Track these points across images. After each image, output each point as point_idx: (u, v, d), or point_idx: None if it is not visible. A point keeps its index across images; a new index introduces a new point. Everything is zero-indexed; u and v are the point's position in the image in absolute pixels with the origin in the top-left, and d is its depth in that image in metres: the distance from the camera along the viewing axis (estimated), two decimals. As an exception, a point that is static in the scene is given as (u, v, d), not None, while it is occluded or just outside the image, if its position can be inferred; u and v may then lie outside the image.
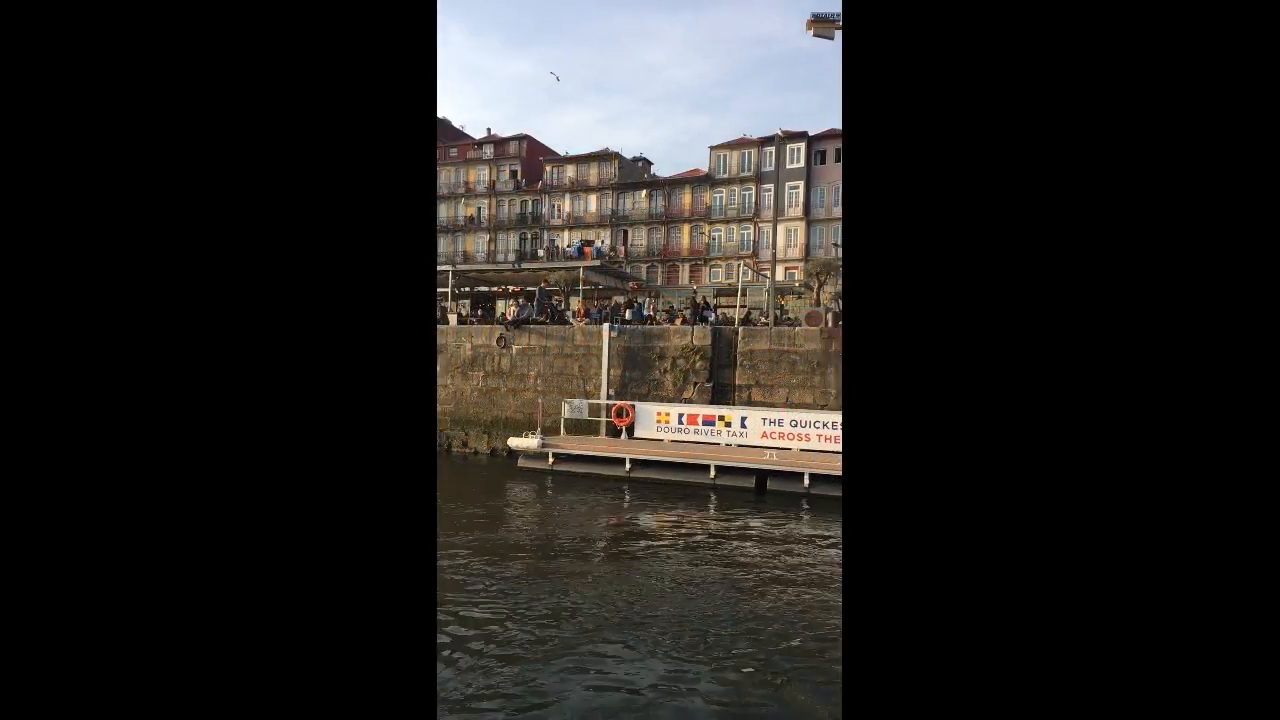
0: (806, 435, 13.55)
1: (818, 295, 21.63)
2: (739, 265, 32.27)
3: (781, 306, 26.49)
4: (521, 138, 44.95)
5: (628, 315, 18.89)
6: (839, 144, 36.40)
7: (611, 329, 16.08)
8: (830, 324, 14.84)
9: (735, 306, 21.83)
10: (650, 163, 44.74)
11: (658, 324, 17.86)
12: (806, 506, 11.59)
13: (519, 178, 43.95)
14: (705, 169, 39.78)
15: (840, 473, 12.38)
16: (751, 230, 37.75)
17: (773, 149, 37.21)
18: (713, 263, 38.42)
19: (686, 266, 39.20)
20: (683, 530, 10.18)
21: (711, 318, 18.84)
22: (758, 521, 10.70)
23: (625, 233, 40.87)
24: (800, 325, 15.75)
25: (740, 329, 15.91)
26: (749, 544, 9.48)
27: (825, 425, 13.49)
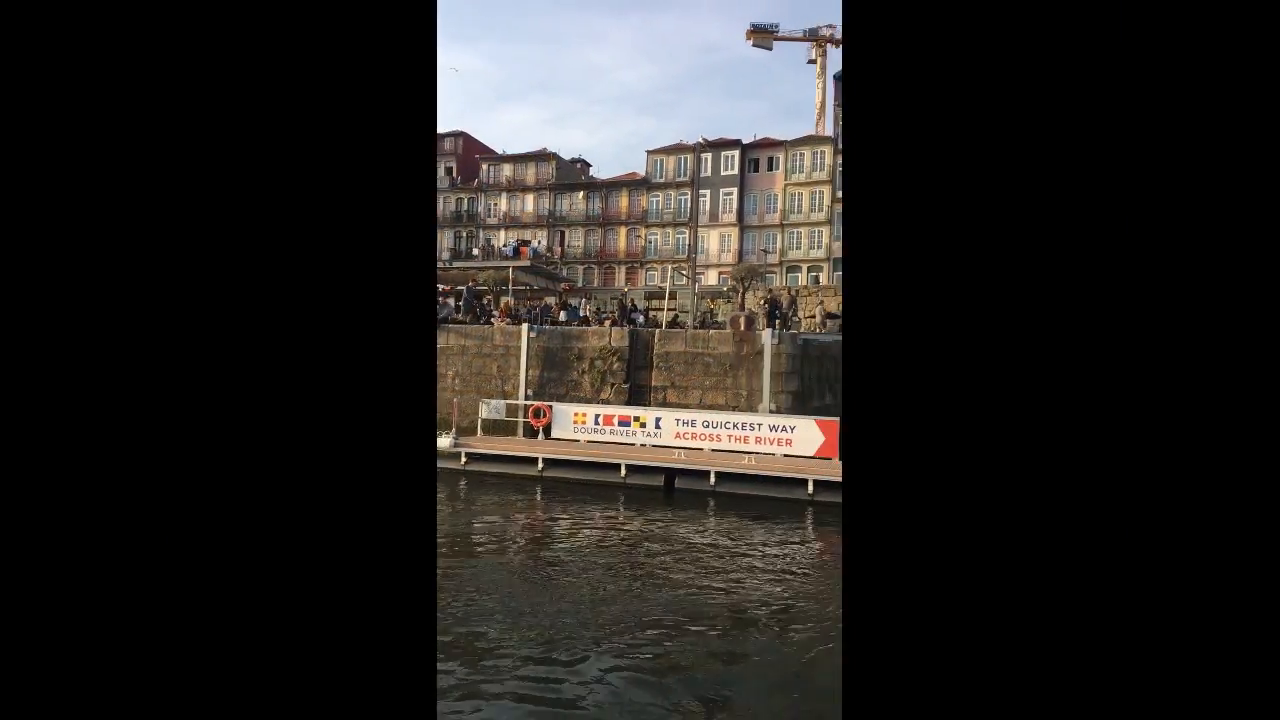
0: (718, 436, 13.90)
1: (743, 300, 22.14)
2: (672, 269, 32.69)
3: (711, 310, 27.01)
4: (457, 134, 44.44)
5: (562, 316, 18.98)
6: (771, 153, 37.26)
7: (531, 329, 16.14)
8: (743, 327, 15.25)
9: (663, 310, 22.16)
10: (589, 164, 44.85)
11: (582, 325, 18.00)
12: (712, 504, 11.91)
13: (454, 175, 43.43)
14: (643, 173, 40.12)
15: (744, 470, 12.71)
16: (687, 234, 38.25)
17: (709, 155, 37.82)
18: (649, 266, 38.78)
19: (623, 269, 39.44)
20: (589, 527, 10.35)
21: (640, 320, 19.07)
22: (662, 517, 10.96)
23: (562, 234, 40.85)
24: (725, 329, 16.12)
25: (657, 331, 16.19)
26: (650, 539, 9.71)
27: (735, 426, 13.87)
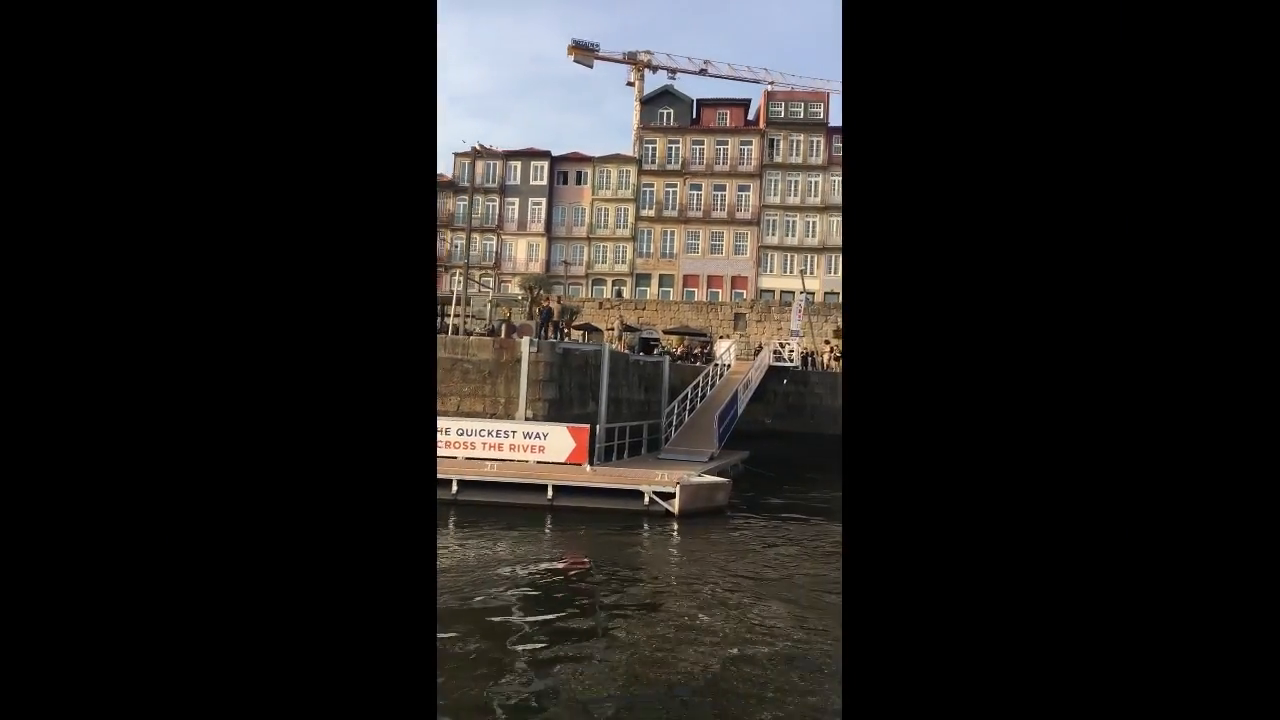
0: (472, 444, 13.72)
1: (531, 308, 22.23)
2: (460, 274, 32.12)
3: (506, 318, 26.85)
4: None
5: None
6: (580, 168, 37.95)
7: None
8: (505, 334, 15.23)
9: (452, 315, 21.65)
10: (396, 162, 42.94)
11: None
12: (453, 514, 11.68)
13: (242, 160, 39.75)
14: (450, 175, 39.15)
15: (486, 478, 12.62)
16: (494, 241, 37.81)
17: (519, 164, 37.71)
18: (454, 270, 37.81)
19: (427, 272, 38.18)
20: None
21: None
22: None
23: (362, 232, 38.77)
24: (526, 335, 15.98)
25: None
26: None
27: (489, 433, 13.78)
